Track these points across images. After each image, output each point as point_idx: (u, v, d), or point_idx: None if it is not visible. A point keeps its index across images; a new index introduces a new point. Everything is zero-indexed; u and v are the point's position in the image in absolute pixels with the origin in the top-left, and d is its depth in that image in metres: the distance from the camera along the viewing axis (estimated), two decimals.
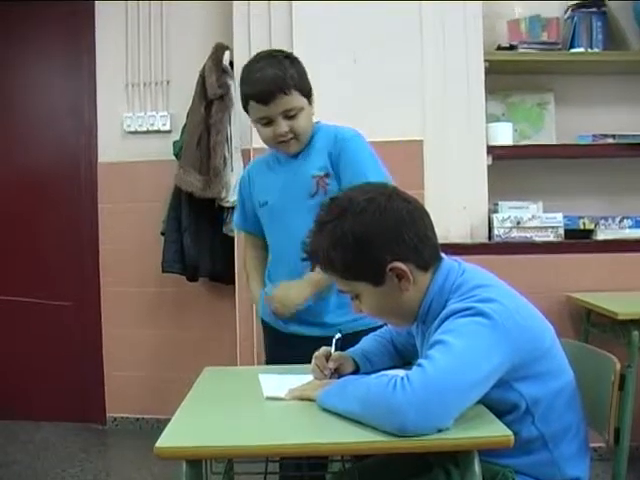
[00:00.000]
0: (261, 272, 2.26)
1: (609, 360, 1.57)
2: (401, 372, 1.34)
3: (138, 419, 3.87)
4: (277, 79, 2.00)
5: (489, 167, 3.35)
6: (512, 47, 3.41)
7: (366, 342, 1.78)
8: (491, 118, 3.48)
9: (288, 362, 1.88)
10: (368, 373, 1.62)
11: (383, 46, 3.34)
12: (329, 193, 2.00)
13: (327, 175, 2.06)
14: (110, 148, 3.87)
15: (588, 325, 3.10)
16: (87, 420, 3.88)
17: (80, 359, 3.92)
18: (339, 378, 1.60)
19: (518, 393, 1.42)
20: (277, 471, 1.94)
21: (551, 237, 3.26)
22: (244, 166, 3.24)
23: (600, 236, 3.30)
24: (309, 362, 1.69)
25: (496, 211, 3.34)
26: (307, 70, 2.10)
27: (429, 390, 1.26)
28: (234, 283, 3.40)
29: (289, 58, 2.07)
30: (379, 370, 1.65)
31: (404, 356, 1.76)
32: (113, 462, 3.48)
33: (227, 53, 3.48)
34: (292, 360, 1.86)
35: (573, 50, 3.41)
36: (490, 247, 3.25)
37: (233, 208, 3.10)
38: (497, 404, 1.40)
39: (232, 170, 3.44)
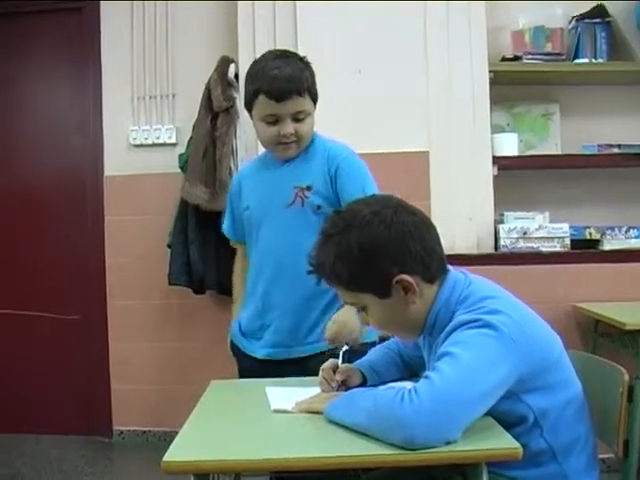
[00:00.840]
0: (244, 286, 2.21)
1: (617, 371, 1.57)
2: (408, 384, 1.34)
3: (145, 432, 3.85)
4: (295, 78, 1.99)
5: (495, 178, 3.35)
6: (516, 58, 3.41)
7: (373, 354, 1.78)
8: (496, 129, 3.48)
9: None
10: (375, 385, 1.62)
11: (388, 57, 3.36)
12: (306, 206, 2.01)
13: (309, 188, 2.04)
14: (116, 161, 3.87)
15: (596, 335, 3.08)
16: (93, 433, 3.87)
17: (86, 372, 3.92)
18: (346, 390, 1.60)
19: (526, 405, 1.41)
20: None
21: (557, 247, 3.25)
22: None
23: (606, 246, 3.29)
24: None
25: (502, 222, 3.34)
26: None
27: (437, 402, 1.26)
28: None
29: (302, 61, 2.07)
30: (386, 382, 1.65)
31: (411, 368, 1.76)
32: (119, 476, 3.47)
33: (232, 66, 3.50)
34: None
35: (577, 61, 3.41)
36: (496, 258, 3.24)
37: None
38: (505, 416, 1.40)
39: None
